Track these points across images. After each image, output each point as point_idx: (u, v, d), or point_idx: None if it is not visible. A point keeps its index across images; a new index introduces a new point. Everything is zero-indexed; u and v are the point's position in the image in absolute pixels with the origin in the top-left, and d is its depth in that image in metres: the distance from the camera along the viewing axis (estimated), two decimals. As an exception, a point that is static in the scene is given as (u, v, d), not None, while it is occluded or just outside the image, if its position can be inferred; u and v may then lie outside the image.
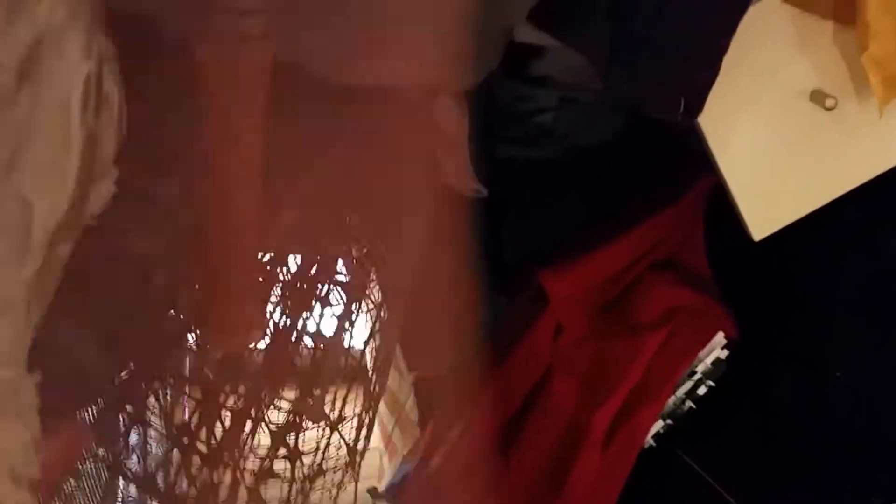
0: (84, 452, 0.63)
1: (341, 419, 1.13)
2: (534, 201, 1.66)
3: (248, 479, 1.04)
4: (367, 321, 1.19)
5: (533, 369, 1.35)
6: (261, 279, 0.71)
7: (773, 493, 1.19)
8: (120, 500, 0.84)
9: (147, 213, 0.68)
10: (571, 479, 1.24)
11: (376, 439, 2.14)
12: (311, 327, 1.05)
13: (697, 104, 0.97)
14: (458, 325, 1.65)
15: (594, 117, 1.56)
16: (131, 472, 0.83)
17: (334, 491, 1.09)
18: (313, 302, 1.02)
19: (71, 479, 0.72)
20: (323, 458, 1.06)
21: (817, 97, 1.03)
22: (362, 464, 2.30)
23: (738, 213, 1.11)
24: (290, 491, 1.01)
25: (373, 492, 2.05)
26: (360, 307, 1.20)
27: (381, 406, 1.90)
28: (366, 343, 1.19)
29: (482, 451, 1.35)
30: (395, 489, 1.68)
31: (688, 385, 1.25)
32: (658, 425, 1.25)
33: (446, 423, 1.44)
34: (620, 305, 1.37)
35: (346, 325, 1.09)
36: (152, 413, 0.85)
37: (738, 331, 1.28)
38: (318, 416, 0.96)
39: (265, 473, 1.07)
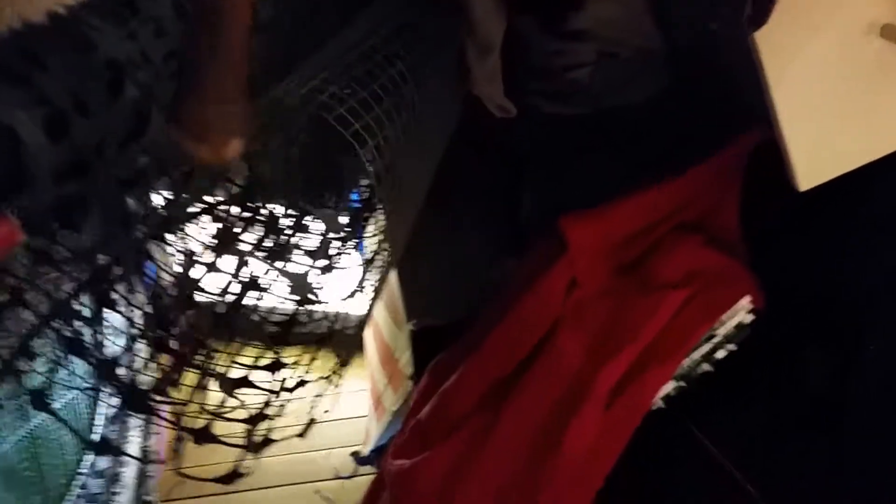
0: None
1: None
2: (560, 160, 1.57)
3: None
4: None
5: (541, 322, 1.26)
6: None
7: (794, 478, 1.08)
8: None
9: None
10: (569, 436, 1.14)
11: (365, 404, 2.04)
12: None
13: (764, 11, 0.88)
14: (460, 271, 1.56)
15: (635, 74, 1.47)
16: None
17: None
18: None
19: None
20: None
21: (889, 32, 0.94)
22: (347, 432, 2.20)
23: (785, 158, 1.02)
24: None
25: (356, 456, 1.95)
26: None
27: (373, 363, 1.80)
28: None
29: (475, 401, 1.25)
30: (380, 451, 1.56)
31: (706, 347, 1.15)
32: (669, 386, 1.15)
33: (442, 375, 1.34)
34: (642, 267, 1.28)
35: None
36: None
37: (766, 300, 1.17)
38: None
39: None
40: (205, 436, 0.83)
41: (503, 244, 1.58)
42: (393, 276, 1.56)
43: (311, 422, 0.98)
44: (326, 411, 2.30)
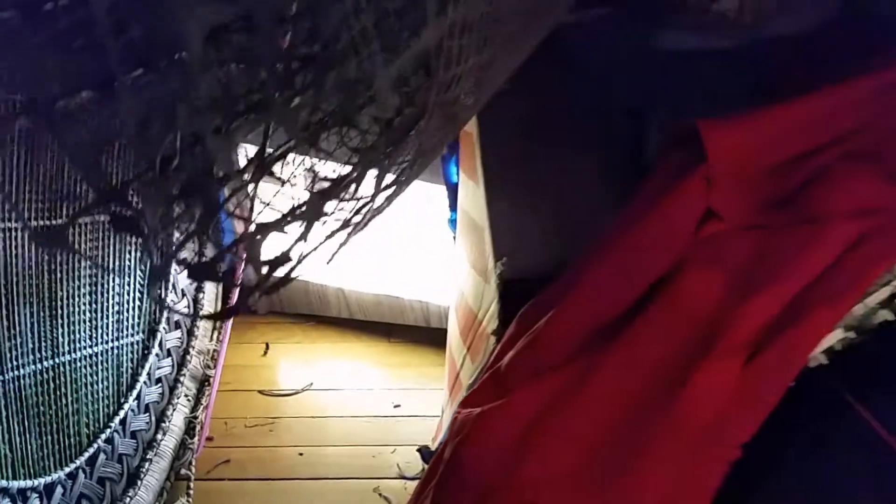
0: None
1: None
2: (693, 103, 1.33)
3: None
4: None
5: (661, 258, 0.99)
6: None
7: None
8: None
9: None
10: (690, 392, 0.86)
11: (440, 402, 1.80)
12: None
13: None
14: (564, 217, 1.32)
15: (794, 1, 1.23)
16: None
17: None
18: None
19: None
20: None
21: None
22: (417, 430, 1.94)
23: None
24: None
25: (423, 451, 1.71)
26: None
27: (453, 337, 1.57)
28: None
29: (568, 348, 0.99)
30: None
31: (884, 293, 0.86)
32: (836, 336, 0.85)
33: (531, 323, 1.09)
34: (798, 202, 0.99)
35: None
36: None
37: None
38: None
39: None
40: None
41: (617, 194, 1.34)
42: (483, 219, 1.33)
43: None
44: (397, 406, 2.07)
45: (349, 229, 0.72)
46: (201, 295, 2.20)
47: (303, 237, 0.64)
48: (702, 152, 0.98)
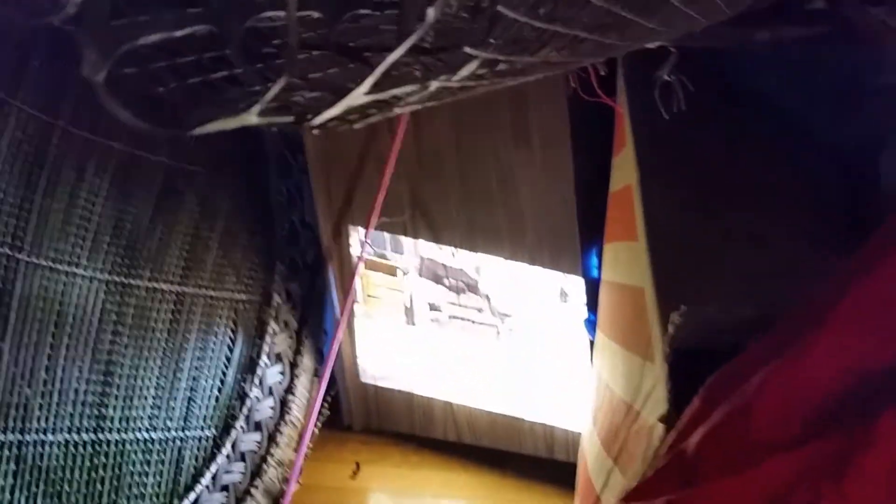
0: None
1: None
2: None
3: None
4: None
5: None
6: None
7: None
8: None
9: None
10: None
11: None
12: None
13: None
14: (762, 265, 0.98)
15: None
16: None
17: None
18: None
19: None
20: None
21: None
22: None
23: None
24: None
25: None
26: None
27: (589, 457, 1.20)
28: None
29: (804, 418, 0.64)
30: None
31: None
32: None
33: (726, 394, 0.74)
34: None
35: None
36: None
37: None
38: None
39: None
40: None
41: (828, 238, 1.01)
42: (644, 278, 1.00)
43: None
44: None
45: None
46: (291, 396, 1.92)
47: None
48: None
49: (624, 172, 1.23)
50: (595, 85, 1.27)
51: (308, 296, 1.95)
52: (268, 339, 1.78)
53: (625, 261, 1.17)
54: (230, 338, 1.72)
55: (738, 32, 1.14)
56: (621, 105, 1.28)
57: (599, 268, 1.65)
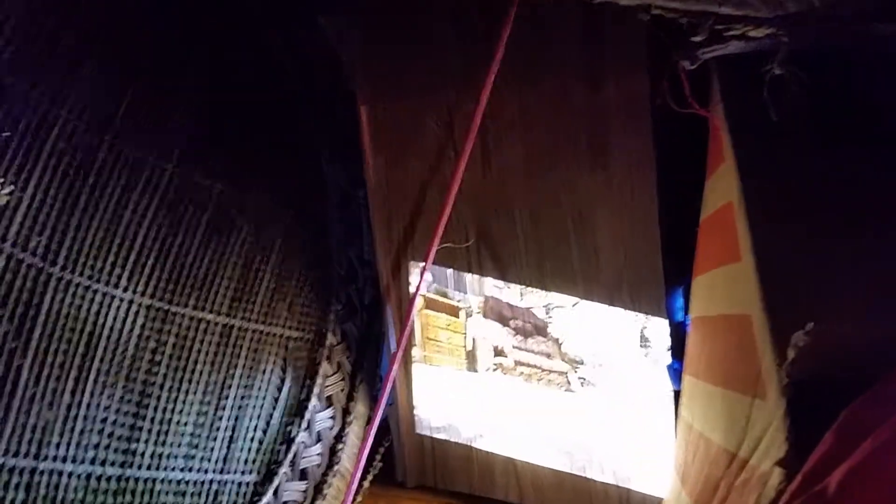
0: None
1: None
2: None
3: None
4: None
5: None
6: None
7: None
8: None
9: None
10: None
11: None
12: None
13: None
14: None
15: None
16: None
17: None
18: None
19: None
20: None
21: None
22: None
23: None
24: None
25: None
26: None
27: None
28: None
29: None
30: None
31: None
32: None
33: (865, 428, 0.57)
34: None
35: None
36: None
37: None
38: None
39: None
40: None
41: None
42: (753, 304, 0.85)
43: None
44: None
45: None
46: (341, 444, 1.77)
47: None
48: None
49: (721, 191, 1.08)
50: (687, 93, 1.14)
51: (364, 338, 1.83)
52: (319, 380, 1.67)
53: (724, 287, 1.01)
54: (279, 377, 1.61)
55: (855, 27, 0.99)
56: (716, 115, 1.14)
57: (686, 310, 1.48)
